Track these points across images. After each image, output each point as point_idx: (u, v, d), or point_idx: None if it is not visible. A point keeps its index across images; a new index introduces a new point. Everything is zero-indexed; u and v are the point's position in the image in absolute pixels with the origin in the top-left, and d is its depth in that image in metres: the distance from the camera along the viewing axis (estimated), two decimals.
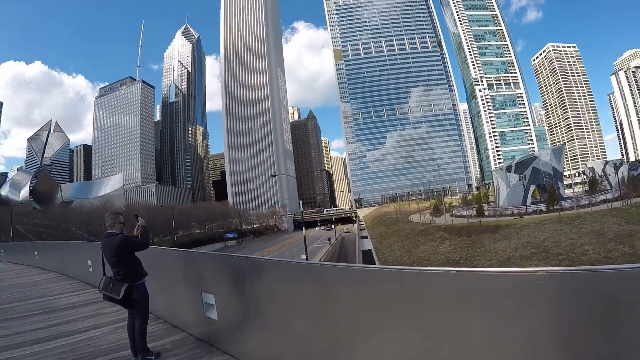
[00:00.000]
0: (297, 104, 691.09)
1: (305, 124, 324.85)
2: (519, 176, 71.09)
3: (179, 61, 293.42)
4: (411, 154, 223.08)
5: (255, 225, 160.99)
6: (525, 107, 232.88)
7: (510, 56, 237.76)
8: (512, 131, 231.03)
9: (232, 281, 4.99)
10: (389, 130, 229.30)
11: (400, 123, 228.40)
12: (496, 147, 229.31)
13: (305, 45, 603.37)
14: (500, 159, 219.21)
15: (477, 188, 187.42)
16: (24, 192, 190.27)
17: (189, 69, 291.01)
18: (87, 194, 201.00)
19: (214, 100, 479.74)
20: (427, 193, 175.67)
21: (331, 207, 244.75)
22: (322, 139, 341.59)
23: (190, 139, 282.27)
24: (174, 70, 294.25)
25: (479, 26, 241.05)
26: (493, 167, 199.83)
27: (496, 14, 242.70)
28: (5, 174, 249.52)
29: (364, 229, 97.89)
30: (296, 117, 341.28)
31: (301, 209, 73.13)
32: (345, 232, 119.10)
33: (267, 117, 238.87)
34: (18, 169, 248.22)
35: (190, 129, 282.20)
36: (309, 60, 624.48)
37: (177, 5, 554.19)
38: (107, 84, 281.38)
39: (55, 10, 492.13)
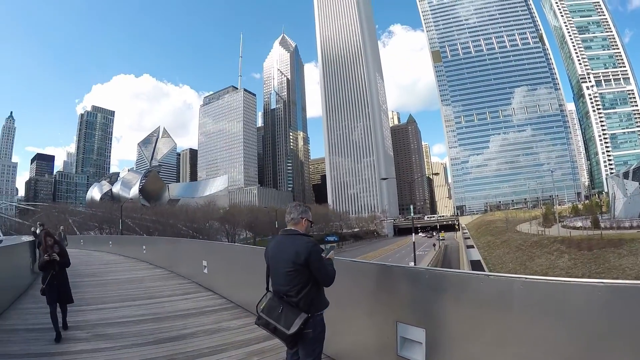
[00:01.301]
0: (397, 108, 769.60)
1: (406, 128, 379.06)
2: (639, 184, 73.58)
3: (278, 70, 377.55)
4: (515, 159, 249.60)
5: (355, 229, 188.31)
6: (637, 106, 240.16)
7: (618, 48, 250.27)
8: (624, 133, 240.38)
9: (441, 307, 4.62)
10: (492, 134, 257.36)
11: (503, 126, 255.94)
12: (607, 151, 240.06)
13: (403, 49, 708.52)
14: (611, 164, 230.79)
15: (587, 197, 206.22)
16: (134, 190, 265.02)
17: (289, 76, 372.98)
18: (193, 194, 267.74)
19: (314, 106, 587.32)
20: (533, 201, 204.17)
21: (432, 214, 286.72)
22: (423, 143, 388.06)
23: (292, 144, 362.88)
24: (274, 79, 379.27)
25: (581, 17, 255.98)
26: (604, 173, 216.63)
27: (598, 2, 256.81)
28: (117, 174, 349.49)
29: (469, 238, 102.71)
30: (396, 122, 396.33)
31: (412, 214, 75.12)
32: (441, 240, 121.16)
33: (367, 121, 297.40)
34: (129, 170, 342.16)
35: (291, 134, 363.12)
36: (408, 64, 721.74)
37: (273, 17, 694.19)
38: (211, 92, 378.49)
39: (161, 26, 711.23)
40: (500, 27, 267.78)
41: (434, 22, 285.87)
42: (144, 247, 25.15)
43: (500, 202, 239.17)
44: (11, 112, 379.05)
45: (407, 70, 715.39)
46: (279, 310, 4.26)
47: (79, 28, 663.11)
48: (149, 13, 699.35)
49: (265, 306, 4.40)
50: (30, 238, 22.01)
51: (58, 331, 8.05)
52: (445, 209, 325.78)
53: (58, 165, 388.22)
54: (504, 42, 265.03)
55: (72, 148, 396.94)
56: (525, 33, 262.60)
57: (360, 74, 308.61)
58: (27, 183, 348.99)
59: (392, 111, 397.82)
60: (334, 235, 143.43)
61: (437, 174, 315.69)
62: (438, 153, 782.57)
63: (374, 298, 5.68)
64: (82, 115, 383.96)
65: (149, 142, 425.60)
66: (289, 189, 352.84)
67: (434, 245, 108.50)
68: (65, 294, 8.86)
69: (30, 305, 11.63)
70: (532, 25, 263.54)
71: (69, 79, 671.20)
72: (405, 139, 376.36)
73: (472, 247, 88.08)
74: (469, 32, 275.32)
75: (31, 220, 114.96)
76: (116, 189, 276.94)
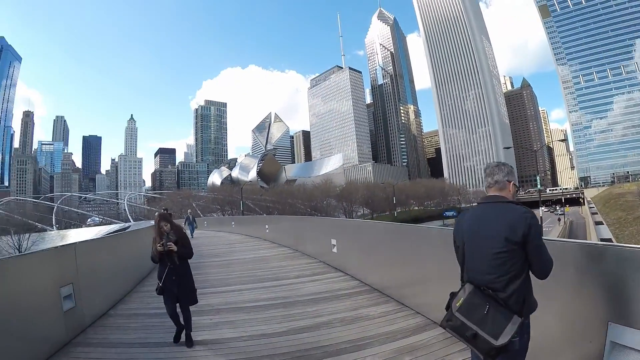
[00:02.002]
0: (509, 72, 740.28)
1: (520, 93, 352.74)
2: None
3: (380, 44, 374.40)
4: None
5: (474, 204, 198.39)
6: None
7: None
8: None
9: None
10: (615, 93, 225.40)
11: (627, 84, 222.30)
12: None
13: (508, 6, 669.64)
14: None
15: None
16: (252, 173, 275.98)
17: (392, 50, 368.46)
18: (309, 173, 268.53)
19: (423, 77, 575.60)
20: None
21: (553, 187, 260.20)
22: (540, 109, 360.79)
23: (403, 118, 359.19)
24: (377, 54, 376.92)
25: None
26: None
27: None
28: (235, 159, 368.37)
29: (596, 213, 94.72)
30: (509, 87, 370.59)
31: (538, 185, 75.53)
32: (560, 214, 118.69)
33: (479, 89, 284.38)
34: (246, 155, 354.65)
35: (401, 108, 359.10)
36: (515, 22, 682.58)
37: None
38: (317, 75, 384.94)
39: (261, 18, 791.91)
40: None
41: None
42: (266, 226, 24.87)
43: (628, 172, 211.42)
44: (131, 115, 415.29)
45: (515, 30, 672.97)
46: (484, 311, 3.08)
47: (182, 31, 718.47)
48: (248, 6, 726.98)
49: (464, 303, 3.16)
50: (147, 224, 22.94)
51: (179, 329, 6.68)
52: (569, 180, 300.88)
53: (179, 157, 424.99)
54: None
55: (191, 140, 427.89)
56: None
57: (465, 39, 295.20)
58: (153, 174, 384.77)
59: (504, 76, 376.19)
60: (453, 210, 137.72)
61: (564, 140, 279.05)
62: (557, 119, 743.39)
63: (574, 290, 3.99)
64: (196, 109, 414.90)
65: (262, 128, 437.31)
66: (404, 164, 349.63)
67: (559, 220, 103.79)
68: (187, 292, 6.79)
69: (153, 287, 11.11)
70: None
71: (181, 79, 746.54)
72: (520, 106, 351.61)
73: (600, 223, 77.72)
74: None
75: (157, 206, 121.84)
76: (235, 173, 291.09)
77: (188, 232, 30.41)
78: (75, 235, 68.51)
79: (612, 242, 58.65)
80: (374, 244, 10.19)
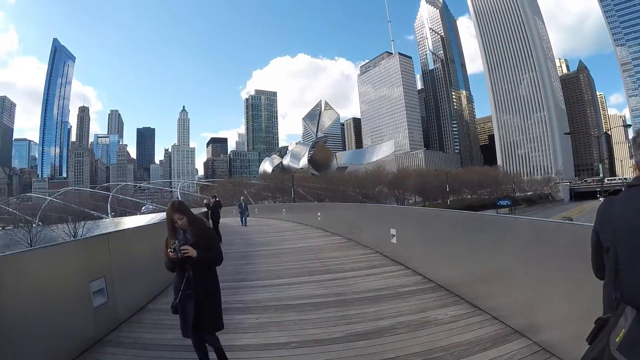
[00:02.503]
0: (565, 54, 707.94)
1: (576, 77, 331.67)
2: None
3: (430, 28, 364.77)
4: None
5: (528, 193, 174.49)
6: None
7: None
8: None
9: None
10: None
11: None
12: None
13: None
14: None
15: None
16: (303, 161, 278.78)
17: (442, 34, 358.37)
18: (360, 160, 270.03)
19: (475, 61, 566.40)
20: None
21: (611, 177, 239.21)
22: (598, 93, 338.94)
23: (455, 104, 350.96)
24: (427, 39, 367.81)
25: None
26: None
27: None
28: (285, 148, 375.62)
29: None
30: (565, 71, 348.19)
31: (600, 173, 67.52)
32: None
33: (533, 72, 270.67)
34: (297, 143, 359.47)
35: (453, 93, 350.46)
36: (570, 1, 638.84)
37: None
38: (366, 61, 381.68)
39: (307, 4, 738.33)
40: None
41: None
42: (318, 213, 23.87)
43: None
44: (183, 106, 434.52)
45: (570, 9, 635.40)
46: None
47: (230, 22, 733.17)
48: None
49: (627, 338, 1.91)
50: (203, 209, 22.64)
51: None
52: (629, 170, 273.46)
53: (231, 146, 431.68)
54: None
55: (242, 129, 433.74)
56: None
57: (518, 20, 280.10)
58: (205, 163, 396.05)
59: (559, 58, 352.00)
60: (507, 199, 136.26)
61: (629, 125, 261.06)
62: (615, 104, 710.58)
63: None
64: (247, 99, 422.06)
65: (313, 116, 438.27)
66: (456, 151, 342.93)
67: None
68: (208, 315, 4.61)
69: None
70: None
71: (232, 70, 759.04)
72: (577, 90, 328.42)
73: None
74: None
75: (208, 194, 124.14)
76: (286, 161, 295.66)
77: (237, 219, 30.05)
78: (129, 222, 70.04)
79: None
80: (441, 234, 8.88)
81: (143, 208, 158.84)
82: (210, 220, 18.98)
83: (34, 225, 79.54)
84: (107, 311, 6.59)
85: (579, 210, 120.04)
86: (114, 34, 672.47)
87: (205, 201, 20.82)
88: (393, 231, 11.60)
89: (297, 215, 29.76)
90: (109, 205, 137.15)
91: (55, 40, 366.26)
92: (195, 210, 31.02)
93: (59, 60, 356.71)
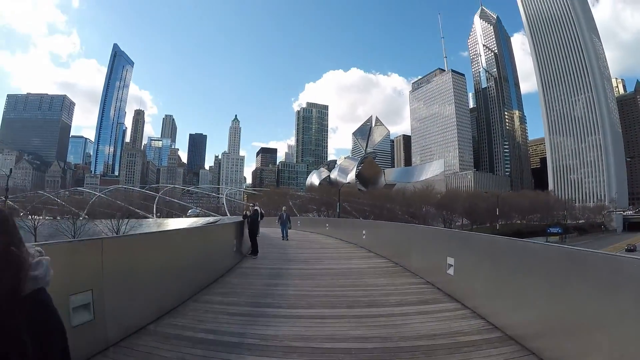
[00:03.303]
0: (622, 74, 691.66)
1: (634, 98, 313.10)
2: None
3: (483, 45, 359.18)
4: None
5: (580, 221, 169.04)
6: None
7: None
8: None
9: None
10: None
11: None
12: None
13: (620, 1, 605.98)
14: None
15: None
16: (351, 175, 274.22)
17: (496, 51, 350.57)
18: (408, 178, 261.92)
19: (529, 80, 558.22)
20: None
21: None
22: None
23: (507, 124, 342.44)
24: (480, 56, 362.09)
25: None
26: None
27: None
28: (334, 161, 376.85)
29: None
30: (621, 91, 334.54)
31: None
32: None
33: (589, 93, 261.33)
34: (345, 157, 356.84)
35: (506, 113, 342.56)
36: (628, 17, 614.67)
37: None
38: (419, 77, 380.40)
39: (361, 19, 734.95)
40: None
41: None
42: (363, 231, 21.87)
43: None
44: (235, 115, 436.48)
45: (628, 26, 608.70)
46: None
47: (285, 35, 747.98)
48: (348, 8, 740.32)
49: None
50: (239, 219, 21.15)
51: None
52: None
53: (280, 157, 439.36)
54: None
55: (292, 141, 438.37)
56: None
57: (573, 37, 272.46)
58: (254, 172, 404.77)
59: (616, 78, 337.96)
60: (557, 226, 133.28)
61: None
62: None
63: None
64: (298, 112, 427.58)
65: (363, 131, 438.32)
66: (507, 173, 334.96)
67: None
68: None
69: (219, 297, 9.53)
70: None
71: (285, 81, 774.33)
72: (634, 112, 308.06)
73: None
74: None
75: (253, 202, 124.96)
76: (334, 174, 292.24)
77: (279, 231, 28.26)
78: (172, 223, 70.66)
79: None
80: (517, 269, 6.80)
81: (189, 211, 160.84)
82: (247, 230, 17.69)
83: (80, 218, 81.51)
84: (91, 331, 5.34)
85: (637, 240, 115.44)
86: (174, 43, 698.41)
87: (244, 212, 19.19)
88: (450, 260, 9.69)
89: (341, 231, 27.97)
90: (155, 206, 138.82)
91: (115, 46, 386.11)
92: (234, 219, 29.18)
93: (118, 64, 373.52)
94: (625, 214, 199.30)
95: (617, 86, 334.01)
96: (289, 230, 27.69)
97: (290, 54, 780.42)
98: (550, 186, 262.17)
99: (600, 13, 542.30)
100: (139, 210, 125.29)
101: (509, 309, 6.75)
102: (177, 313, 7.62)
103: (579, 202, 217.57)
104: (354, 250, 20.12)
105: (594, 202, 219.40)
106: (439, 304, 8.72)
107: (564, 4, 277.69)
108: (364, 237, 21.42)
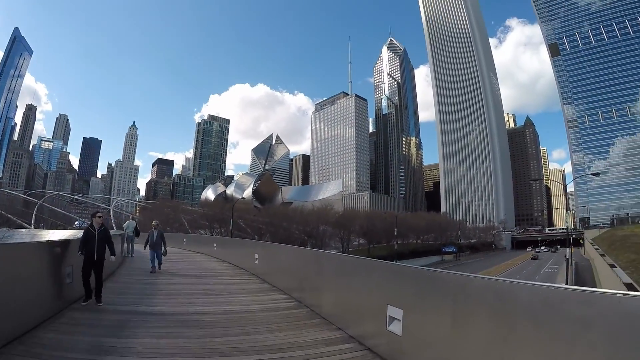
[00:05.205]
0: (516, 110, 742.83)
1: (523, 132, 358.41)
2: None
3: (388, 74, 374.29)
4: None
5: (472, 241, 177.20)
6: None
7: None
8: None
9: None
10: (618, 135, 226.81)
11: (632, 126, 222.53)
12: None
13: (521, 44, 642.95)
14: None
15: None
16: (247, 192, 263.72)
17: (399, 80, 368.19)
18: (306, 197, 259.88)
19: (428, 110, 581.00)
20: None
21: (550, 227, 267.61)
22: (541, 148, 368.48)
23: (404, 150, 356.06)
24: (384, 83, 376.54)
25: None
26: None
27: None
28: (231, 177, 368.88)
29: (604, 255, 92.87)
30: (512, 125, 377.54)
31: (568, 224, 68.59)
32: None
33: (483, 124, 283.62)
34: (243, 174, 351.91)
35: (404, 139, 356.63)
36: (527, 61, 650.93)
37: (379, 20, 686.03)
38: (324, 99, 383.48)
39: (273, 37, 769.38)
40: (621, 11, 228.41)
41: (548, 12, 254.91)
42: (256, 255, 17.64)
43: (628, 214, 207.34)
44: (134, 122, 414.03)
45: (525, 68, 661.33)
46: None
47: (196, 44, 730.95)
48: (262, 25, 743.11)
49: None
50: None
51: None
52: (564, 221, 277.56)
53: (177, 169, 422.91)
54: (627, 28, 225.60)
55: (191, 153, 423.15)
56: None
57: (474, 75, 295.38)
58: (148, 184, 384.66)
59: (507, 113, 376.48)
60: (452, 245, 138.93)
61: (572, 180, 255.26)
62: (557, 159, 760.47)
63: None
64: (199, 123, 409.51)
65: (263, 149, 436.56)
66: (401, 195, 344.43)
67: (566, 257, 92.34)
68: None
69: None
70: None
71: (189, 91, 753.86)
72: (522, 144, 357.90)
73: (614, 266, 69.05)
74: (587, 21, 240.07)
75: (144, 216, 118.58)
76: (230, 190, 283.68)
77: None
78: (47, 235, 63.60)
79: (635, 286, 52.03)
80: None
81: (76, 222, 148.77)
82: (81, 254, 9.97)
83: None
84: None
85: (521, 259, 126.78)
86: (77, 36, 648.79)
87: (76, 223, 13.34)
88: (395, 312, 6.17)
89: (231, 252, 23.51)
90: (34, 214, 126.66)
91: (16, 30, 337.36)
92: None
93: (16, 50, 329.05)
94: (513, 233, 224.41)
95: (509, 120, 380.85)
96: (164, 255, 18.55)
97: (196, 64, 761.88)
98: (443, 208, 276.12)
99: (502, 54, 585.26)
100: (16, 219, 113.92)
101: None
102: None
103: (470, 223, 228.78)
104: (244, 280, 16.09)
105: (483, 223, 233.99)
106: None
107: (468, 44, 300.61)
108: (256, 261, 17.44)
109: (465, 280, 5.21)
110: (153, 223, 18.99)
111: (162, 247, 18.21)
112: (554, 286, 3.84)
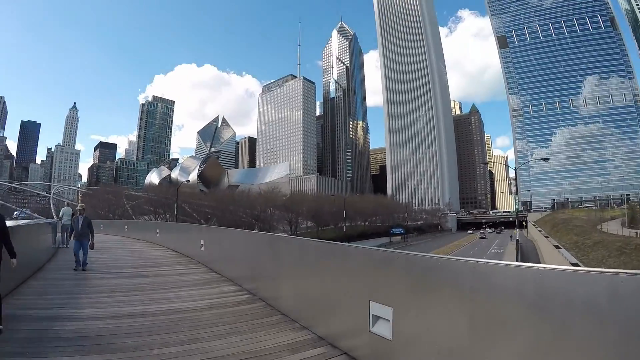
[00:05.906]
0: (463, 98, 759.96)
1: (468, 119, 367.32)
2: None
3: (337, 58, 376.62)
4: (581, 153, 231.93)
5: (419, 222, 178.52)
6: None
7: None
8: None
9: None
10: (561, 125, 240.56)
11: (573, 117, 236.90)
12: None
13: (471, 35, 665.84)
14: None
15: None
16: (193, 175, 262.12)
17: (348, 65, 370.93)
18: (253, 180, 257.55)
19: (376, 95, 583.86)
20: (602, 200, 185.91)
21: (493, 209, 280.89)
22: (485, 135, 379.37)
23: (351, 133, 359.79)
24: (333, 67, 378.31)
25: None
26: None
27: None
28: (176, 160, 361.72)
29: (548, 237, 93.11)
30: (458, 112, 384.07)
31: (518, 207, 69.57)
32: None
33: (430, 111, 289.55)
34: (188, 157, 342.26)
35: (351, 123, 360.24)
36: (476, 52, 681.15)
37: (331, 4, 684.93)
38: (272, 81, 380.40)
39: (222, 17, 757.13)
40: (569, 9, 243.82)
41: (499, 6, 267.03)
42: (202, 241, 16.16)
43: (568, 199, 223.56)
44: (74, 103, 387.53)
45: (474, 59, 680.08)
46: None
47: (141, 20, 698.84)
48: (211, 3, 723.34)
49: None
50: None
51: None
52: (505, 204, 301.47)
53: (120, 153, 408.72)
54: (574, 26, 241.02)
55: (134, 136, 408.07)
56: (596, 16, 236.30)
57: (422, 62, 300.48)
58: (90, 169, 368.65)
59: (454, 100, 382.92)
60: (400, 227, 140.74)
61: (517, 167, 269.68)
62: (501, 146, 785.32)
63: None
64: (143, 105, 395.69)
65: (208, 131, 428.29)
66: (348, 178, 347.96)
67: (511, 237, 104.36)
68: None
69: None
70: (603, 7, 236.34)
71: (132, 70, 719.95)
72: (467, 130, 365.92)
73: (558, 247, 71.24)
74: (536, 16, 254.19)
75: (86, 203, 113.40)
76: (175, 174, 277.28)
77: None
78: None
79: (580, 266, 55.58)
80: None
81: (15, 213, 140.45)
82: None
83: None
84: None
85: (469, 239, 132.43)
86: (13, 7, 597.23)
87: (15, 213, 11.27)
88: (381, 310, 5.06)
89: (175, 238, 21.91)
90: None
91: None
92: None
93: None
94: (458, 215, 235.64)
95: (455, 107, 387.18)
96: (92, 245, 14.66)
97: (140, 41, 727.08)
98: (389, 191, 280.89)
99: (452, 43, 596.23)
100: None
101: None
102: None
103: (416, 206, 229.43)
104: (189, 270, 14.35)
105: (429, 205, 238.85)
106: None
107: (418, 31, 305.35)
108: (202, 248, 16.01)
109: (487, 270, 3.83)
110: (78, 207, 16.13)
111: (90, 238, 14.50)
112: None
